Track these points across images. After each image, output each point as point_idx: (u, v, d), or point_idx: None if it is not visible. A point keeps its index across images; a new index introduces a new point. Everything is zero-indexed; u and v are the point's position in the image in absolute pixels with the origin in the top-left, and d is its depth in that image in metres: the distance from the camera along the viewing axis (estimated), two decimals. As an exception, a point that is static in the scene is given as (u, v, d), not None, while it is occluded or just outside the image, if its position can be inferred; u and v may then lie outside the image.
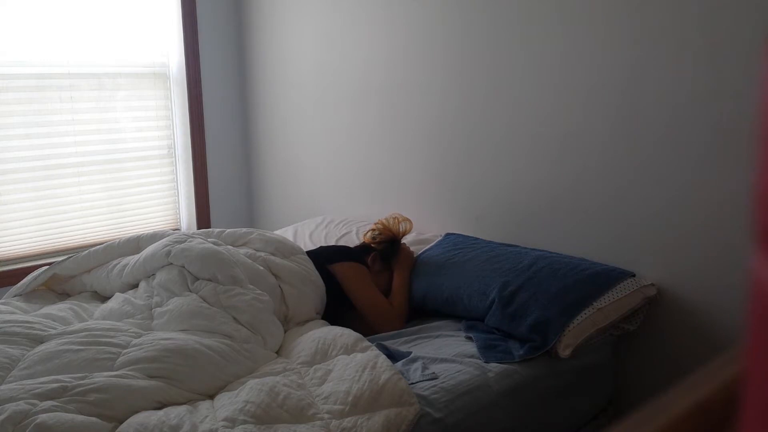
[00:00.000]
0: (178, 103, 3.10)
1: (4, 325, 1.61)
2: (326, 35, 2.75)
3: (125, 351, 1.51)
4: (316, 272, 1.97)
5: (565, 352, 1.61)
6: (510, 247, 2.00)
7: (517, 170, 2.12)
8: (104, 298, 1.96)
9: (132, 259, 1.96)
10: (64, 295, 2.02)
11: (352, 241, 2.34)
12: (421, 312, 1.99)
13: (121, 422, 1.34)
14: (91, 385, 1.38)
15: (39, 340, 1.57)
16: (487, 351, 1.64)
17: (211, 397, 1.49)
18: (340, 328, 1.69)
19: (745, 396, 0.28)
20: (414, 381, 1.48)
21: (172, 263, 1.85)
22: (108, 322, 1.69)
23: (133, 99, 2.99)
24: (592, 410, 1.80)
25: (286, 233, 2.58)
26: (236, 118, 3.28)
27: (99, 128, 2.90)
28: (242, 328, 1.68)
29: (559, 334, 1.62)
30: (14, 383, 1.40)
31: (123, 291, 1.91)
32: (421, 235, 2.35)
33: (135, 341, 1.55)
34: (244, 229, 2.10)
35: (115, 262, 2.00)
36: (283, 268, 1.92)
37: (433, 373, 1.52)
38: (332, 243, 2.26)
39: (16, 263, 2.75)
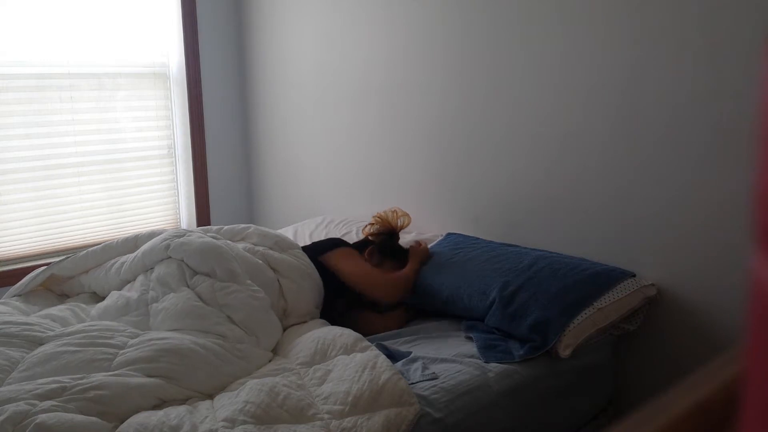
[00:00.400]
0: (178, 103, 3.10)
1: (4, 326, 1.61)
2: (326, 35, 2.75)
3: (122, 351, 1.51)
4: (313, 266, 1.97)
5: (565, 352, 1.61)
6: (510, 247, 2.00)
7: (517, 170, 2.12)
8: (103, 299, 1.95)
9: (130, 256, 1.96)
10: (63, 296, 2.02)
11: (352, 240, 2.34)
12: (421, 311, 1.99)
13: (121, 421, 1.34)
14: (90, 384, 1.38)
15: (38, 342, 1.57)
16: (487, 351, 1.64)
17: (211, 396, 1.49)
18: (339, 328, 1.69)
19: (745, 396, 0.28)
20: (414, 381, 1.48)
21: (171, 257, 1.84)
22: (104, 322, 1.68)
23: (133, 99, 2.99)
24: (592, 410, 1.80)
25: (286, 233, 2.57)
26: (236, 118, 3.28)
27: (99, 128, 2.90)
28: (236, 327, 1.67)
29: (559, 334, 1.62)
30: (14, 385, 1.40)
31: (120, 288, 1.90)
32: (422, 235, 2.35)
33: (131, 341, 1.55)
34: (242, 225, 2.11)
35: (113, 261, 1.99)
36: (282, 262, 1.92)
37: (433, 373, 1.52)
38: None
39: (16, 263, 2.75)
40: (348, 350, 1.56)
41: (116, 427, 1.32)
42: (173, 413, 1.35)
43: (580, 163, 1.94)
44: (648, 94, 1.77)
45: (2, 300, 1.92)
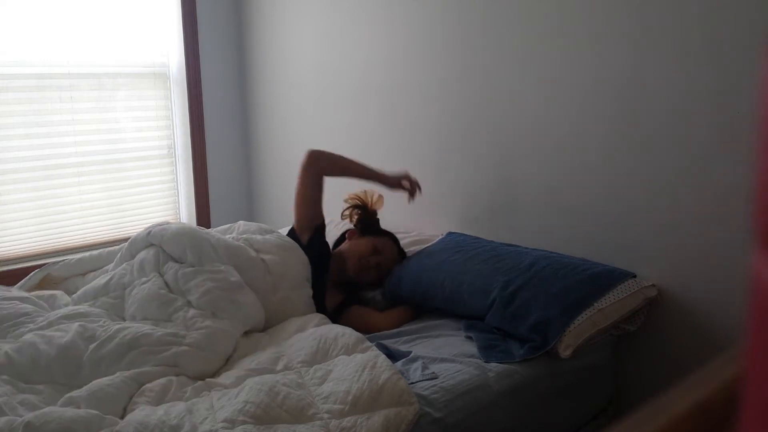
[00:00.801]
0: (178, 103, 3.10)
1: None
2: (326, 35, 2.75)
3: (91, 346, 1.59)
4: (296, 244, 2.03)
5: (565, 352, 1.61)
6: (510, 247, 2.00)
7: (517, 170, 2.12)
8: None
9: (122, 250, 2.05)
10: None
11: (334, 234, 2.34)
12: (421, 309, 1.99)
13: (116, 415, 1.36)
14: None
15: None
16: (487, 351, 1.64)
17: (202, 379, 1.57)
18: (341, 327, 1.69)
19: (745, 396, 0.28)
20: (414, 381, 1.48)
21: (151, 243, 1.92)
22: (76, 325, 1.71)
23: (133, 99, 2.99)
24: (592, 410, 1.80)
25: (286, 233, 2.57)
26: (236, 118, 3.28)
27: (99, 128, 2.90)
28: (193, 310, 1.73)
29: (559, 334, 1.62)
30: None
31: None
32: (422, 234, 2.35)
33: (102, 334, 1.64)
34: (230, 224, 2.20)
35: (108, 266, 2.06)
36: (264, 242, 2.00)
37: (433, 372, 1.52)
38: (331, 243, 2.25)
39: (16, 263, 2.75)
40: (349, 350, 1.56)
41: (113, 420, 1.33)
42: (173, 413, 1.35)
43: (581, 163, 1.94)
44: (648, 94, 1.77)
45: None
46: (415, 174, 2.47)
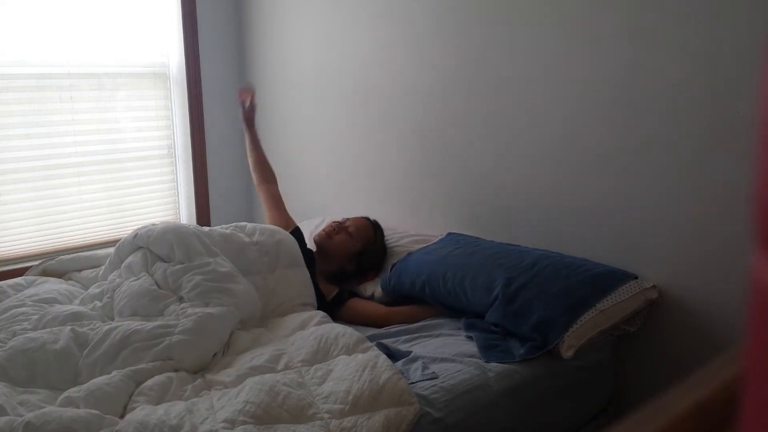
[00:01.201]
0: (178, 103, 3.10)
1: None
2: (326, 35, 2.75)
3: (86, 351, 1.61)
4: (283, 231, 2.13)
5: (567, 353, 1.61)
6: (512, 247, 1.99)
7: (517, 170, 2.12)
8: None
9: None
10: None
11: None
12: (421, 302, 1.99)
13: (115, 414, 1.37)
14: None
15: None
16: (488, 350, 1.64)
17: (196, 373, 1.60)
18: (342, 326, 1.69)
19: (745, 396, 0.28)
20: (414, 380, 1.48)
21: (139, 246, 1.95)
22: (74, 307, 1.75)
23: (133, 99, 2.99)
24: (592, 410, 1.80)
25: (286, 233, 2.57)
26: (236, 118, 3.27)
27: (99, 128, 2.90)
28: (186, 303, 1.75)
29: (561, 334, 1.61)
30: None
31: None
32: (422, 235, 2.34)
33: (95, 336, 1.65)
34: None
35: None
36: (253, 229, 2.09)
37: (433, 372, 1.52)
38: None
39: (16, 263, 2.75)
40: (350, 350, 1.56)
41: (113, 420, 1.33)
42: (173, 413, 1.35)
43: (581, 163, 1.94)
44: (649, 94, 1.77)
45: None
46: (414, 174, 2.47)
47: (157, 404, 1.44)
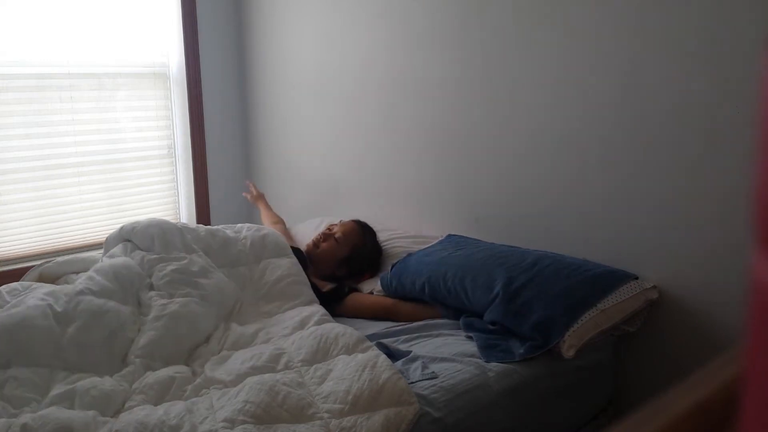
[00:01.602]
0: (178, 103, 3.10)
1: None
2: (326, 35, 2.75)
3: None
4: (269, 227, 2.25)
5: (568, 352, 1.60)
6: (512, 248, 1.99)
7: (517, 171, 2.12)
8: None
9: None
10: None
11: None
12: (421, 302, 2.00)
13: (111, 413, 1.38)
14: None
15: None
16: (488, 350, 1.63)
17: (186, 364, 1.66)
18: (341, 326, 1.69)
19: (745, 396, 0.28)
20: (414, 380, 1.48)
21: (125, 239, 2.02)
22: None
23: (133, 99, 2.99)
24: (592, 410, 1.80)
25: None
26: (236, 118, 3.28)
27: (99, 128, 2.90)
28: (153, 292, 1.82)
29: (562, 334, 1.61)
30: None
31: None
32: (422, 236, 2.34)
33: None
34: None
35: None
36: (242, 226, 2.19)
37: (433, 372, 1.52)
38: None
39: (16, 263, 2.75)
40: (350, 350, 1.56)
41: (108, 421, 1.34)
42: (173, 412, 1.35)
43: (581, 164, 1.94)
44: (648, 95, 1.77)
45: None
46: (414, 175, 2.47)
47: (157, 404, 1.45)
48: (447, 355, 1.62)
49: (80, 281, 1.81)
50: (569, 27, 1.91)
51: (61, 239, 2.87)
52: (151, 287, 1.85)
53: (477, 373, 1.54)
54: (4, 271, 2.69)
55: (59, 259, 2.21)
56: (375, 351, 1.54)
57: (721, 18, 1.61)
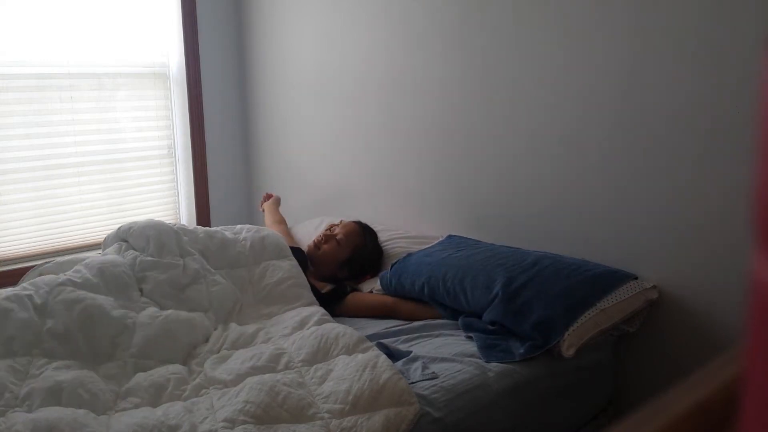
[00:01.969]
0: (178, 103, 3.10)
1: None
2: (326, 35, 2.75)
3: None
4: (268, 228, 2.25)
5: (568, 351, 1.60)
6: (512, 249, 2.00)
7: (517, 171, 2.12)
8: None
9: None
10: None
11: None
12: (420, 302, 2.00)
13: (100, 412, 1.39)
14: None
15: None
16: (488, 350, 1.64)
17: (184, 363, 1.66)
18: (342, 326, 1.69)
19: (745, 396, 0.28)
20: (414, 380, 1.48)
21: (121, 238, 2.02)
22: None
23: (133, 99, 2.99)
24: (592, 410, 1.80)
25: (286, 233, 2.57)
26: (236, 118, 3.28)
27: (99, 128, 2.90)
28: (144, 298, 1.82)
29: (562, 333, 1.61)
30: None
31: None
32: (422, 236, 2.34)
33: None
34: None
35: None
36: (241, 228, 2.17)
37: (433, 372, 1.52)
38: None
39: (16, 263, 2.75)
40: (350, 350, 1.56)
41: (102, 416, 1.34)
42: (172, 413, 1.35)
43: (581, 164, 1.94)
44: (648, 95, 1.77)
45: None
46: (414, 175, 2.47)
47: (154, 405, 1.44)
48: (447, 355, 1.62)
49: (65, 274, 1.82)
50: (569, 27, 1.91)
51: (61, 239, 2.87)
52: (141, 292, 1.85)
53: (477, 373, 1.54)
54: (4, 271, 2.69)
55: (59, 259, 2.20)
56: (375, 351, 1.54)
57: (721, 18, 1.61)
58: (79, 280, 1.76)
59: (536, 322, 1.65)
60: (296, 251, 2.19)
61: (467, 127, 2.25)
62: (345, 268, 2.22)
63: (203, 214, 3.20)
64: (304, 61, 2.88)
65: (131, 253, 1.93)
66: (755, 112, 1.44)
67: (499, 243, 2.09)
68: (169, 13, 3.01)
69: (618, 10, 1.80)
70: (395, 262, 2.11)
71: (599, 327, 1.66)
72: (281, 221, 2.62)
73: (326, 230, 2.31)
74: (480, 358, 1.61)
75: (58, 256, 2.66)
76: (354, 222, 2.32)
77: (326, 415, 1.35)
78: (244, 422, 1.30)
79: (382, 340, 1.73)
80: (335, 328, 1.68)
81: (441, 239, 2.22)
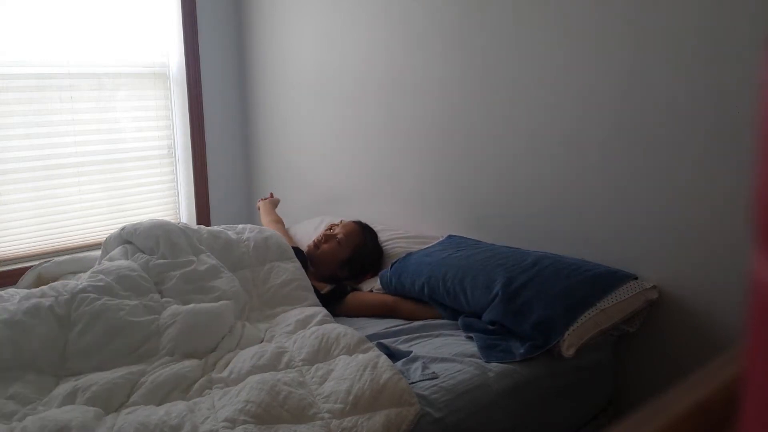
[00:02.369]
0: (178, 103, 3.10)
1: None
2: (326, 35, 2.75)
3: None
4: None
5: (569, 351, 1.60)
6: (512, 249, 2.00)
7: (517, 172, 2.12)
8: None
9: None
10: None
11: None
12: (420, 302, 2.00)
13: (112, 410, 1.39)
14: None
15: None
16: (488, 350, 1.64)
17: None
18: (343, 327, 1.69)
19: (745, 396, 0.28)
20: (414, 380, 1.48)
21: (125, 240, 1.98)
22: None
23: (133, 99, 2.99)
24: (592, 410, 1.80)
25: (286, 233, 2.57)
26: (236, 118, 3.28)
27: (99, 128, 2.90)
28: (160, 297, 1.79)
29: (562, 333, 1.62)
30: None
31: None
32: (422, 236, 2.34)
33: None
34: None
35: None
36: (244, 227, 2.17)
37: (434, 372, 1.52)
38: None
39: (16, 263, 2.75)
40: (351, 350, 1.57)
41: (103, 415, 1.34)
42: (174, 412, 1.35)
43: (581, 164, 1.94)
44: (648, 95, 1.77)
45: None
46: (414, 175, 2.47)
47: (159, 403, 1.45)
48: (447, 355, 1.62)
49: (83, 279, 1.78)
50: (569, 27, 1.91)
51: (60, 239, 2.87)
52: (161, 293, 1.81)
53: (477, 373, 1.54)
54: (4, 271, 2.68)
55: (58, 259, 2.20)
56: (376, 351, 1.54)
57: (721, 18, 1.61)
58: (101, 284, 1.72)
59: (536, 322, 1.65)
60: (296, 251, 2.18)
61: (467, 127, 2.25)
62: (345, 268, 2.22)
63: (203, 214, 3.20)
64: (304, 61, 2.88)
65: (140, 257, 1.89)
66: (755, 112, 1.44)
67: (499, 243, 2.09)
68: (169, 13, 3.01)
69: (618, 10, 1.80)
70: (395, 261, 2.11)
71: (599, 327, 1.66)
72: (278, 221, 2.61)
73: (326, 230, 2.31)
74: (480, 358, 1.61)
75: (58, 256, 2.66)
76: (354, 222, 2.32)
77: (327, 415, 1.35)
78: (245, 422, 1.30)
79: (383, 340, 1.74)
80: (336, 328, 1.68)
81: (441, 239, 2.22)
